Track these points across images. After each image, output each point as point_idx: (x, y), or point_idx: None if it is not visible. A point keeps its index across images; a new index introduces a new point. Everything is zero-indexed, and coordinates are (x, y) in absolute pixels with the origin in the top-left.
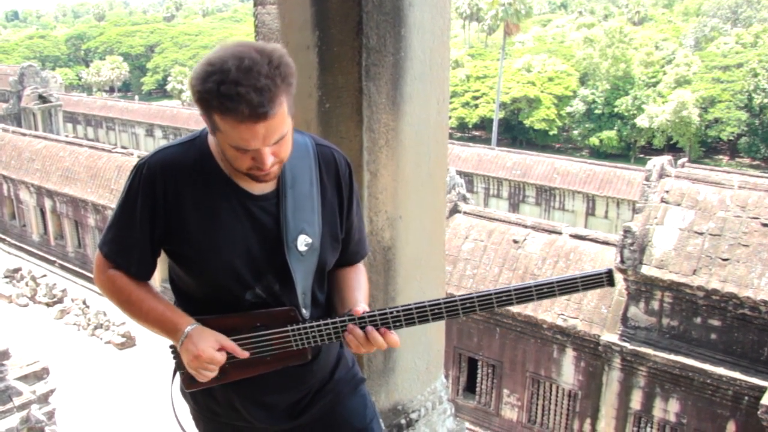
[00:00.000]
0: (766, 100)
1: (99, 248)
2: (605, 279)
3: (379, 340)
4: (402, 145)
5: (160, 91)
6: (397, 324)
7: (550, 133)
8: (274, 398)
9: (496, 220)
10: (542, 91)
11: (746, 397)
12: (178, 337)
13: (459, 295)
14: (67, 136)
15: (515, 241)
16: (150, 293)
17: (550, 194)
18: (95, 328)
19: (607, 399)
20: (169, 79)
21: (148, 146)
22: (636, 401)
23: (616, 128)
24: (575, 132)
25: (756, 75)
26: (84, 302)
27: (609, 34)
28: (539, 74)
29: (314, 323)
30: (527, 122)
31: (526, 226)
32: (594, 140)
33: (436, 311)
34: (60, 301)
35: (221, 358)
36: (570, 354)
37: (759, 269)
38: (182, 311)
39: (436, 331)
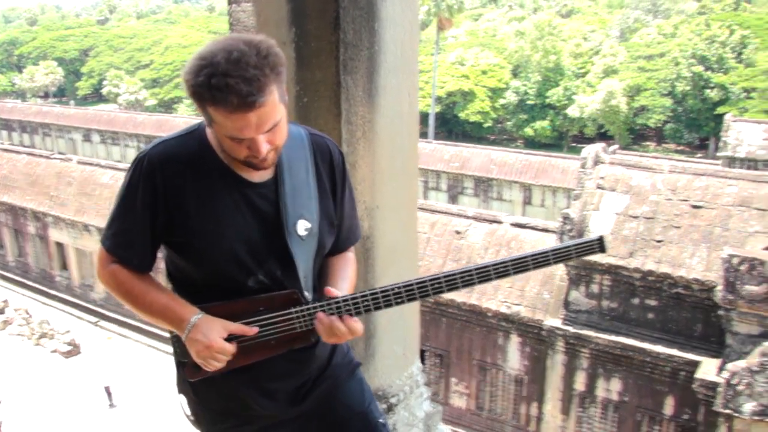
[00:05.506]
0: (688, 88)
1: (101, 243)
2: (597, 246)
3: (341, 328)
4: (378, 137)
5: (96, 96)
6: (388, 303)
7: (485, 125)
8: (276, 385)
9: (438, 212)
10: (476, 84)
11: (682, 372)
12: (184, 327)
13: (447, 272)
14: (2, 143)
15: (458, 232)
16: (152, 285)
17: (487, 185)
18: (40, 337)
19: (552, 382)
20: (104, 83)
21: (86, 152)
22: (580, 382)
23: (548, 118)
24: (509, 123)
25: (677, 64)
26: (26, 312)
27: (539, 27)
28: (473, 68)
29: (317, 303)
30: (463, 115)
31: (467, 217)
32: (528, 131)
33: (422, 289)
34: (1, 311)
35: (232, 348)
36: (515, 340)
37: (690, 249)
38: (185, 301)
39: (412, 316)
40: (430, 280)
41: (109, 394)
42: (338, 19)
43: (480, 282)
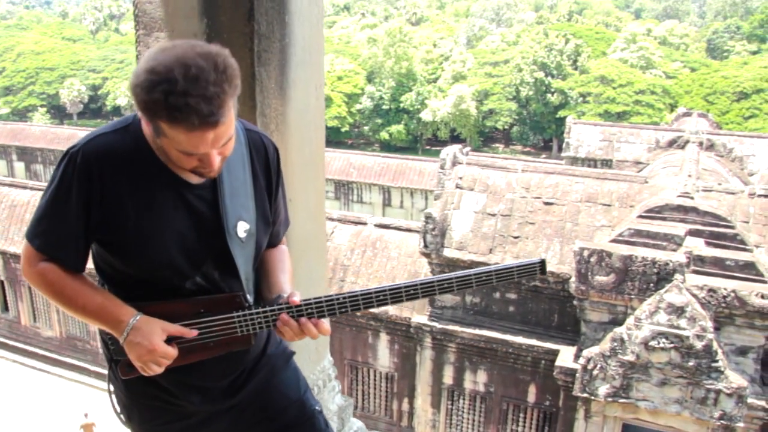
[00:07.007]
0: (531, 93)
1: (29, 240)
2: (538, 268)
3: (313, 330)
4: (289, 130)
5: None
6: (332, 312)
7: (343, 129)
8: (210, 383)
9: None
10: (332, 90)
11: (543, 361)
12: (122, 329)
13: (400, 283)
14: None
15: None
16: (85, 285)
17: (348, 188)
18: None
19: (421, 377)
20: None
21: None
22: (448, 376)
23: (403, 123)
24: (366, 128)
25: (521, 70)
26: None
27: (390, 34)
28: (329, 74)
29: (260, 310)
30: None
31: (333, 219)
32: (384, 135)
33: (381, 297)
34: None
35: (174, 352)
36: (384, 338)
37: (545, 244)
38: (120, 300)
39: None
40: (375, 291)
41: None
42: (252, 10)
43: (423, 296)
